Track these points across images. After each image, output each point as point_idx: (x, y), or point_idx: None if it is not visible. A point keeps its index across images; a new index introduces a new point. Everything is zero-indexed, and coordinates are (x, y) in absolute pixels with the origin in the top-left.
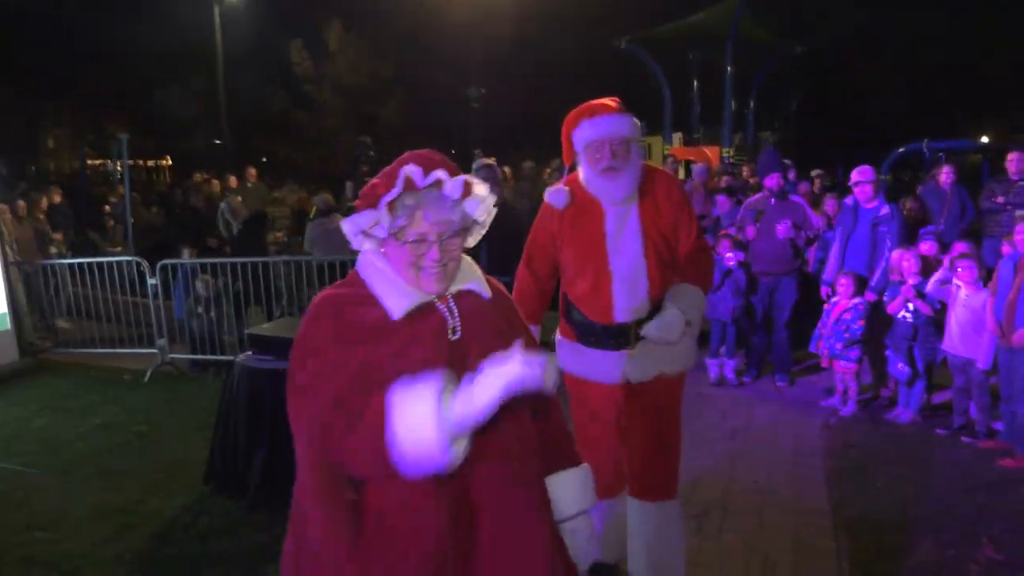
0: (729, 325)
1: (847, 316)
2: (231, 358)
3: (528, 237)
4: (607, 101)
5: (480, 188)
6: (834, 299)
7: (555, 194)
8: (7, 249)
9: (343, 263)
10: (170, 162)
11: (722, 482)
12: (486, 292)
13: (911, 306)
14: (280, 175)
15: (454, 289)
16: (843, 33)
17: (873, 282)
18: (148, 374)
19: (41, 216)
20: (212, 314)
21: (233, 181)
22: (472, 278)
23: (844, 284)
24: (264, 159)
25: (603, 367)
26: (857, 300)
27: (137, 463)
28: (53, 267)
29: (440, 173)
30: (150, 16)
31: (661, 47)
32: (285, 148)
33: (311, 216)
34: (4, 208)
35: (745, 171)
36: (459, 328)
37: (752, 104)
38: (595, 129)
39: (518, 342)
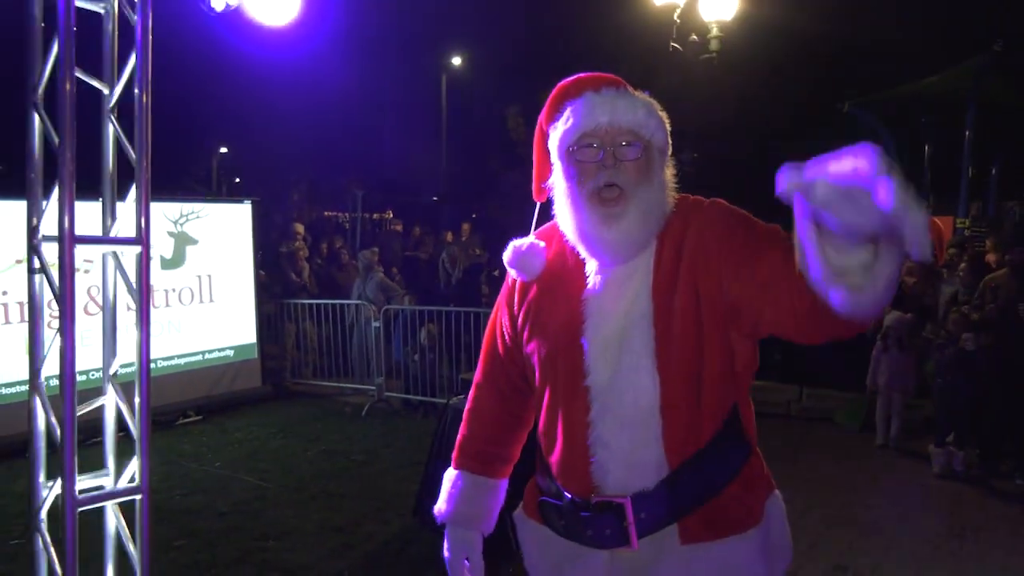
0: (962, 413)
1: None
2: (442, 400)
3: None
4: (610, 76)
5: None
6: None
7: (521, 255)
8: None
9: None
10: (392, 215)
11: None
12: None
13: None
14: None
15: None
16: None
17: None
18: (365, 408)
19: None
20: (427, 358)
21: (449, 236)
22: None
23: None
24: (474, 215)
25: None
26: None
27: (355, 488)
28: (296, 305)
29: None
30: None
31: (889, 110)
32: (495, 207)
33: None
34: (302, 246)
35: (987, 244)
36: None
37: (994, 171)
38: (586, 116)
39: None
